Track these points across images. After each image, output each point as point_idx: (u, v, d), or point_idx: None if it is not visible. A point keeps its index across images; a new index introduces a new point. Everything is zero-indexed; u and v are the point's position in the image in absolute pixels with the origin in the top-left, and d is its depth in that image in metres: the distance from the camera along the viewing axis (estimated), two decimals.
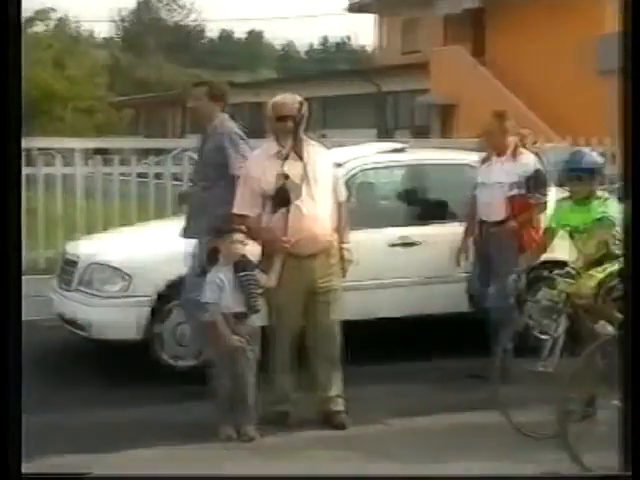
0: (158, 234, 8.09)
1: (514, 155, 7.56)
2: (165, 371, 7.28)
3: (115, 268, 7.29)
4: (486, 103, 26.99)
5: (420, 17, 33.81)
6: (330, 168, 6.39)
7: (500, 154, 7.60)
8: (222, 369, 6.06)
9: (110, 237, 8.52)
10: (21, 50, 4.24)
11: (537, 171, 7.54)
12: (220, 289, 5.97)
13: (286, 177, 6.08)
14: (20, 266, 4.30)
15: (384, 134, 31.10)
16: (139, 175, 11.11)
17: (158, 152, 14.67)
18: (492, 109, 7.86)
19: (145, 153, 12.57)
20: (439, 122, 30.06)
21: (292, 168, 6.13)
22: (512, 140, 7.66)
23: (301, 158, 6.18)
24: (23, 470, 4.16)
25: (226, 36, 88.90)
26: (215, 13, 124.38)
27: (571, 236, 6.64)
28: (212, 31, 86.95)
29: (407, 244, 7.87)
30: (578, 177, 6.47)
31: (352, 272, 6.53)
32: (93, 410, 6.61)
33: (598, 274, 6.36)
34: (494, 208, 7.50)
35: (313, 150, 6.30)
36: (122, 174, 10.79)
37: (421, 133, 28.06)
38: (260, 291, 6.08)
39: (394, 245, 7.80)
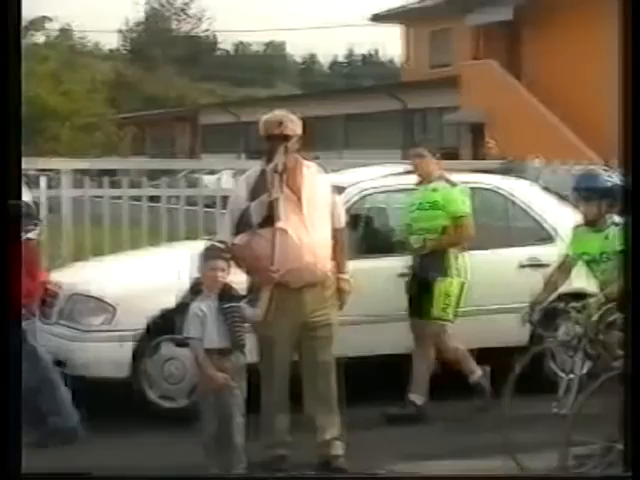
0: (147, 262, 8.18)
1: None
2: (152, 411, 7.34)
3: (98, 299, 7.36)
4: (521, 121, 27.20)
5: (450, 29, 33.98)
6: (327, 191, 6.41)
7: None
8: (207, 408, 6.11)
9: (95, 265, 8.60)
10: (21, 62, 4.40)
11: None
12: (202, 322, 6.01)
13: (271, 196, 6.11)
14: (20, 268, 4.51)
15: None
16: (135, 198, 11.21)
17: (164, 173, 14.82)
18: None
19: (149, 174, 12.66)
20: (470, 142, 30.10)
21: (284, 192, 6.16)
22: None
23: (292, 180, 6.21)
24: (23, 470, 4.31)
25: (242, 48, 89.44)
26: (228, 23, 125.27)
27: (589, 266, 6.68)
28: (226, 42, 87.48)
29: None
30: (585, 198, 6.52)
31: (357, 304, 6.57)
32: (73, 455, 6.65)
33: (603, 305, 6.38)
34: None
35: (308, 172, 6.34)
36: (114, 197, 10.89)
37: (450, 154, 28.14)
38: (245, 325, 6.10)
39: (403, 275, 7.84)
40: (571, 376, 6.20)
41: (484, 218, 8.50)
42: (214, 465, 6.08)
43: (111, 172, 12.27)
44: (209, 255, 6.08)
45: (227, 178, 14.38)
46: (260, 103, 47.61)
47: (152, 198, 10.99)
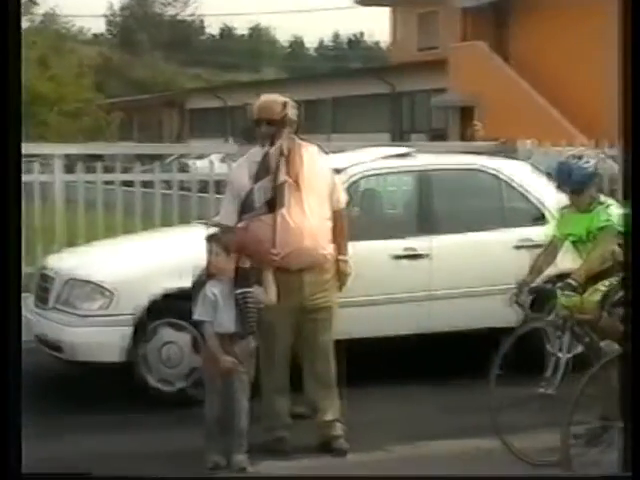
0: (144, 246, 8.16)
1: None
2: (151, 395, 7.35)
3: (95, 284, 7.36)
4: (509, 103, 27.22)
5: (437, 11, 33.97)
6: (326, 173, 6.42)
7: None
8: (213, 392, 6.13)
9: (91, 250, 8.59)
10: (21, 50, 4.41)
11: None
12: (214, 306, 6.04)
13: (276, 179, 6.12)
14: (20, 272, 4.53)
15: (398, 138, 31.21)
16: (125, 183, 11.19)
17: (152, 158, 14.78)
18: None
19: (138, 159, 12.63)
20: (458, 124, 30.12)
21: (282, 175, 6.15)
22: None
23: (291, 163, 6.22)
24: (23, 470, 4.32)
25: (228, 32, 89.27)
26: (214, 7, 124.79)
27: (575, 247, 6.70)
28: (212, 27, 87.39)
29: (413, 256, 7.93)
30: (575, 192, 6.53)
31: (353, 286, 6.60)
32: (72, 439, 6.68)
33: (604, 288, 6.41)
34: None
35: (307, 153, 6.35)
36: (107, 182, 10.88)
37: (438, 136, 28.16)
38: (257, 310, 6.09)
39: (399, 257, 7.87)
40: (559, 356, 6.19)
41: (478, 199, 8.55)
42: (215, 449, 6.10)
43: (98, 157, 12.21)
44: (211, 240, 6.10)
45: (216, 162, 14.38)
46: (247, 87, 47.64)
47: (143, 183, 10.94)
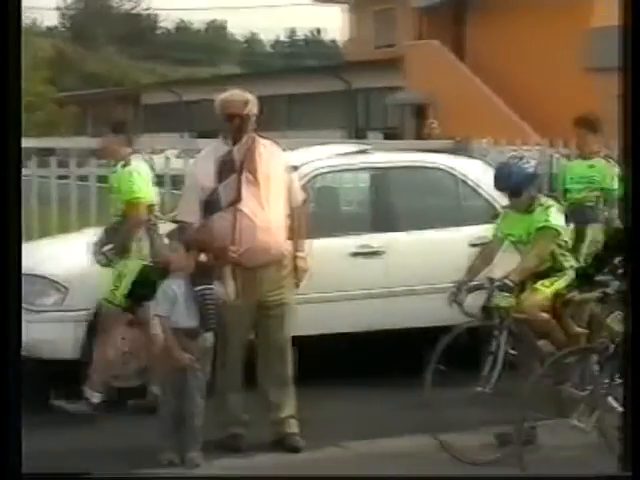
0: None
1: None
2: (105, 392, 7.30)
3: (49, 279, 7.31)
4: (464, 102, 27.34)
5: (394, 8, 34.01)
6: (284, 170, 6.42)
7: None
8: (169, 389, 6.11)
9: (45, 245, 8.53)
10: (21, 48, 4.40)
11: None
12: (172, 301, 6.01)
13: (241, 177, 6.11)
14: (20, 264, 4.54)
15: (354, 135, 31.24)
16: (80, 178, 11.10)
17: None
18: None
19: (92, 154, 12.53)
20: (413, 122, 30.21)
21: (242, 171, 6.17)
22: None
23: (251, 159, 6.22)
24: (23, 470, 4.33)
25: (184, 27, 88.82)
26: (170, 1, 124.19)
27: (515, 247, 6.74)
28: (167, 21, 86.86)
29: (369, 253, 7.95)
30: (514, 194, 6.60)
31: (308, 283, 6.61)
32: (25, 437, 6.61)
33: (544, 288, 6.46)
34: None
35: (265, 150, 6.34)
36: (61, 177, 10.79)
37: (394, 134, 28.21)
38: (215, 306, 6.09)
39: (355, 254, 7.88)
40: (496, 355, 6.24)
41: (434, 197, 8.59)
42: (169, 446, 6.08)
43: (52, 151, 12.10)
44: (170, 237, 6.09)
45: (172, 158, 14.30)
46: (203, 83, 47.42)
47: (97, 178, 10.81)
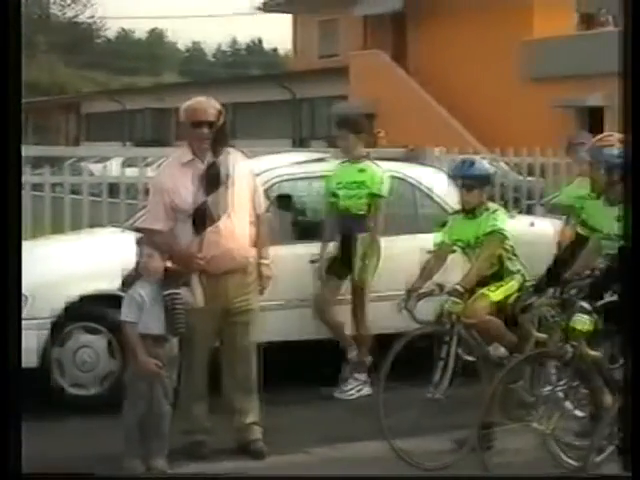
0: (59, 249, 8.10)
1: None
2: (64, 400, 7.29)
3: None
4: (409, 111, 27.55)
5: (338, 18, 34.18)
6: (248, 177, 6.44)
7: None
8: (135, 395, 6.10)
9: None
10: (21, 48, 4.39)
11: None
12: (139, 307, 6.01)
13: (207, 195, 6.14)
14: (20, 266, 4.55)
15: (298, 144, 31.32)
16: (33, 186, 11.02)
17: (52, 161, 14.52)
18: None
19: (37, 162, 12.43)
20: None
21: (208, 179, 6.19)
22: None
23: (217, 167, 6.23)
24: (23, 470, 4.33)
25: (124, 35, 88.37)
26: (113, 10, 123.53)
27: (464, 252, 6.83)
28: (110, 30, 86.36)
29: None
30: (468, 186, 6.66)
31: (271, 290, 6.64)
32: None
33: (491, 293, 6.55)
34: None
35: (231, 158, 6.34)
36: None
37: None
38: (183, 312, 6.08)
39: (315, 262, 7.93)
40: (447, 361, 6.31)
41: (392, 205, 8.65)
42: (134, 453, 6.06)
43: None
44: (141, 242, 6.09)
45: (116, 166, 14.26)
46: (145, 92, 47.21)
47: (34, 187, 10.73)
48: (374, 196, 7.95)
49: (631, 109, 4.83)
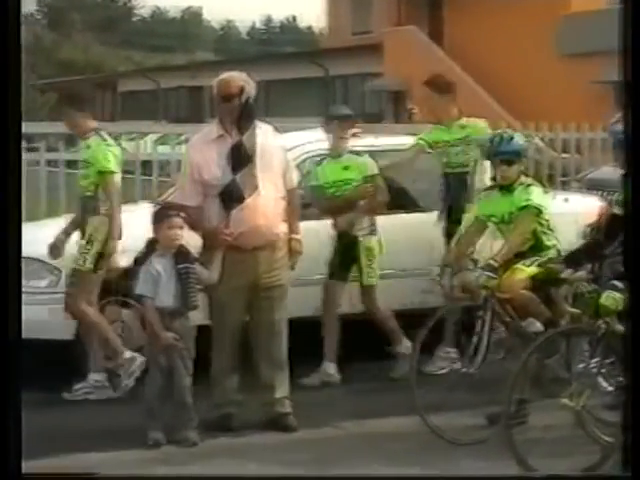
0: None
1: None
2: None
3: (43, 261, 7.29)
4: None
5: None
6: (279, 152, 6.41)
7: None
8: (154, 368, 6.13)
9: (37, 228, 8.49)
10: (20, 36, 4.40)
11: None
12: (155, 281, 6.03)
13: (235, 172, 6.12)
14: (20, 256, 4.52)
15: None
16: (67, 163, 11.09)
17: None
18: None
19: (71, 139, 12.50)
20: (392, 108, 30.25)
21: (238, 154, 6.17)
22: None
23: (247, 142, 6.21)
24: (23, 470, 4.32)
25: (159, 14, 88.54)
26: None
27: (498, 228, 6.76)
28: (145, 8, 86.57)
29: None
30: (508, 161, 6.58)
31: (301, 265, 6.62)
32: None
33: (526, 267, 6.48)
34: None
35: (261, 133, 6.32)
36: (49, 162, 10.77)
37: (372, 121, 28.20)
38: (199, 287, 6.13)
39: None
40: (481, 335, 6.28)
41: (420, 180, 8.60)
42: (155, 427, 6.08)
43: (29, 138, 12.09)
44: (165, 214, 6.09)
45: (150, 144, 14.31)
46: (179, 70, 47.24)
47: (68, 164, 10.79)
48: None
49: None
